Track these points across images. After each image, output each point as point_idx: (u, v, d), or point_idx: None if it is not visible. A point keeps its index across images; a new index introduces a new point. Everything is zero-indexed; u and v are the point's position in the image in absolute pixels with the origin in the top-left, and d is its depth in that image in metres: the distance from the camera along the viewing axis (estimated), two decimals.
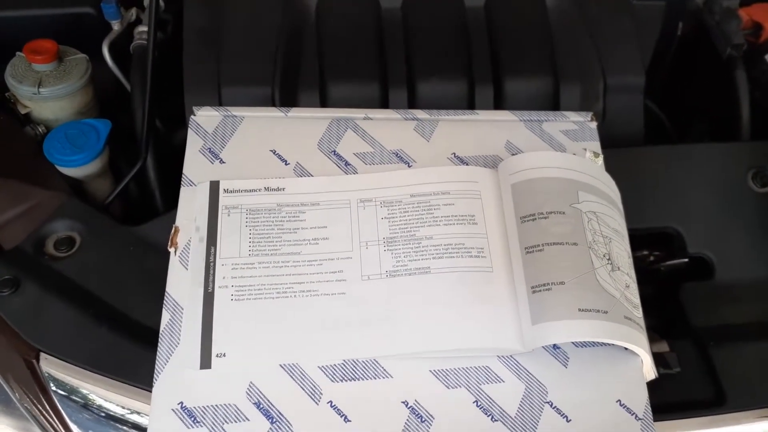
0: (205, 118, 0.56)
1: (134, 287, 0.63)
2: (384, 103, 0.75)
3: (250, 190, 0.53)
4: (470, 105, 0.76)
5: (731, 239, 0.68)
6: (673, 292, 0.67)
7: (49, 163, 0.72)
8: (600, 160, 0.57)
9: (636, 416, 0.47)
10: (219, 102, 0.74)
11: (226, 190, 0.53)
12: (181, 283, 0.50)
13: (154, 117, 0.77)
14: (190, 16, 0.78)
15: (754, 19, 0.84)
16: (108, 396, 0.54)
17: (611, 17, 0.81)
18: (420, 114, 0.58)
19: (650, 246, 0.71)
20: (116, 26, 0.82)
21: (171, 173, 0.77)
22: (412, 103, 0.76)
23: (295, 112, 0.57)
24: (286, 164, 0.54)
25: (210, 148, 0.55)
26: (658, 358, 0.59)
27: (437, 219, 0.52)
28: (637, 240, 0.70)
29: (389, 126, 0.57)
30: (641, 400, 0.47)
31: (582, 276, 0.47)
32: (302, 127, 0.56)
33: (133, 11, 0.84)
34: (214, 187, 0.53)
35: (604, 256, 0.49)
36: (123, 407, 0.54)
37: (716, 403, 0.59)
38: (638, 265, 0.69)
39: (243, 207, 0.52)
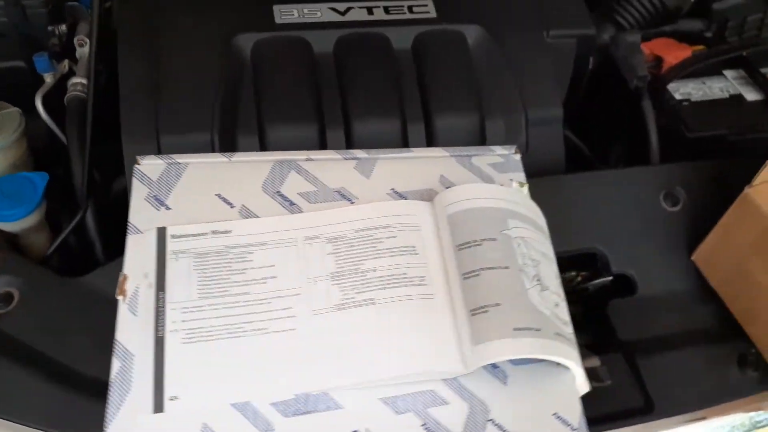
0: (149, 166, 0.58)
1: (78, 339, 0.63)
2: (322, 144, 0.78)
3: (197, 234, 0.54)
4: (404, 142, 0.80)
5: (649, 256, 0.74)
6: (602, 309, 0.72)
7: None
8: (525, 188, 0.61)
9: (572, 427, 0.50)
10: (158, 150, 0.76)
11: (173, 236, 0.54)
12: (131, 330, 0.50)
13: (92, 166, 0.77)
14: (125, 66, 0.79)
15: (655, 53, 0.92)
16: None
17: (529, 55, 0.87)
18: (359, 153, 0.62)
19: (577, 267, 0.76)
20: (49, 79, 0.83)
21: (110, 223, 0.78)
22: (350, 142, 0.79)
23: (239, 157, 0.60)
24: (231, 207, 0.56)
25: (155, 196, 0.56)
26: (590, 373, 0.63)
27: (380, 252, 0.55)
28: (565, 262, 0.74)
29: (331, 166, 0.60)
30: (576, 412, 0.51)
31: (515, 297, 0.51)
32: (246, 170, 0.58)
33: (66, 63, 0.85)
34: (161, 233, 0.54)
35: (534, 277, 0.53)
36: None
37: (645, 411, 0.64)
38: (568, 286, 0.74)
39: (191, 251, 0.53)
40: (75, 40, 0.86)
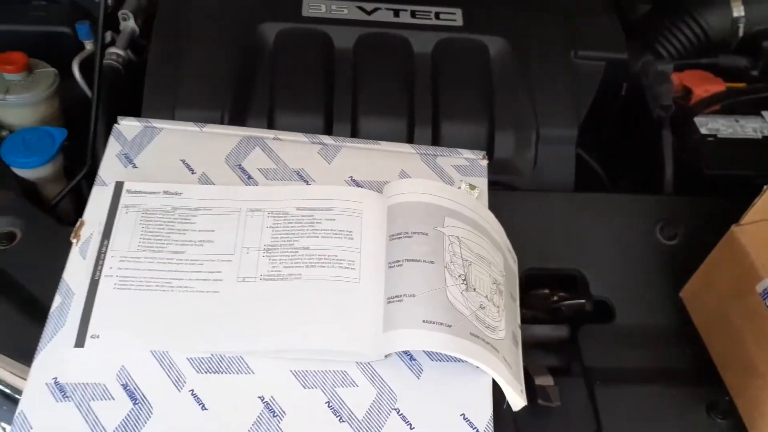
0: (127, 127, 0.62)
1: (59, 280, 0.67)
2: (328, 134, 0.80)
3: (150, 192, 0.57)
4: (409, 143, 0.81)
5: (634, 287, 0.71)
6: (575, 332, 0.70)
7: (3, 164, 0.77)
8: (476, 192, 0.61)
9: (477, 430, 0.49)
10: None
11: (128, 191, 0.57)
12: (77, 271, 0.54)
13: (111, 126, 0.82)
14: (156, 42, 0.84)
15: (684, 84, 0.88)
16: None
17: (550, 73, 0.86)
18: (326, 139, 0.63)
19: (557, 286, 0.74)
20: (89, 46, 0.89)
21: None
22: (354, 137, 0.80)
23: (210, 128, 0.63)
24: (192, 173, 0.59)
25: (126, 154, 0.60)
26: (540, 391, 0.62)
27: (317, 231, 0.56)
28: (544, 279, 0.73)
29: (295, 147, 0.62)
30: (485, 416, 0.50)
31: (432, 291, 0.51)
32: (214, 141, 0.61)
33: (108, 34, 0.91)
34: (119, 187, 0.58)
35: (459, 276, 0.52)
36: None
37: None
38: (539, 303, 0.72)
39: (140, 207, 0.57)
40: (119, 14, 0.92)
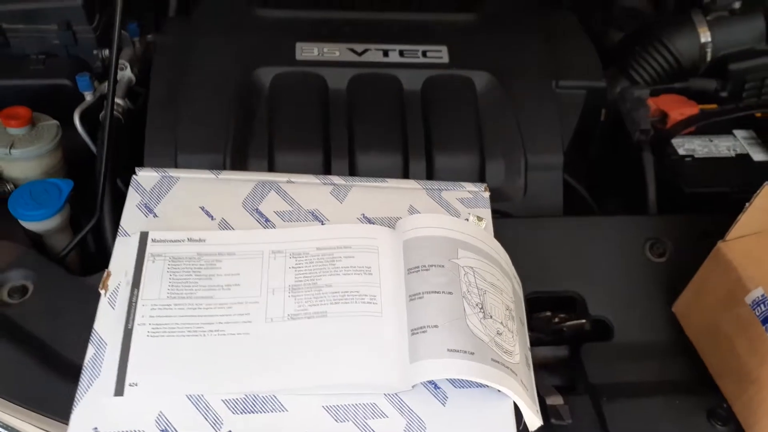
0: (145, 177, 0.64)
1: (75, 332, 0.68)
2: (327, 173, 0.83)
3: (175, 241, 0.60)
4: (405, 176, 0.84)
5: (629, 304, 0.75)
6: (577, 351, 0.74)
7: (11, 217, 0.79)
8: (483, 223, 0.64)
9: None
10: (175, 166, 0.82)
11: (153, 240, 0.60)
12: (107, 321, 0.56)
13: (115, 177, 0.84)
14: (155, 90, 0.87)
15: (661, 108, 0.94)
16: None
17: (534, 103, 0.90)
18: (337, 180, 0.66)
19: (556, 308, 0.78)
20: (89, 97, 0.91)
21: None
22: (353, 174, 0.84)
23: (225, 175, 0.65)
24: (212, 219, 0.62)
25: (146, 204, 0.63)
26: (552, 410, 0.65)
27: (338, 269, 0.59)
28: (544, 302, 0.77)
29: (308, 189, 0.65)
30: None
31: (453, 321, 0.54)
32: (230, 187, 0.64)
33: (106, 84, 0.93)
34: (144, 237, 0.60)
35: (476, 305, 0.56)
36: None
37: None
38: (543, 325, 0.76)
39: (167, 255, 0.59)
40: None
